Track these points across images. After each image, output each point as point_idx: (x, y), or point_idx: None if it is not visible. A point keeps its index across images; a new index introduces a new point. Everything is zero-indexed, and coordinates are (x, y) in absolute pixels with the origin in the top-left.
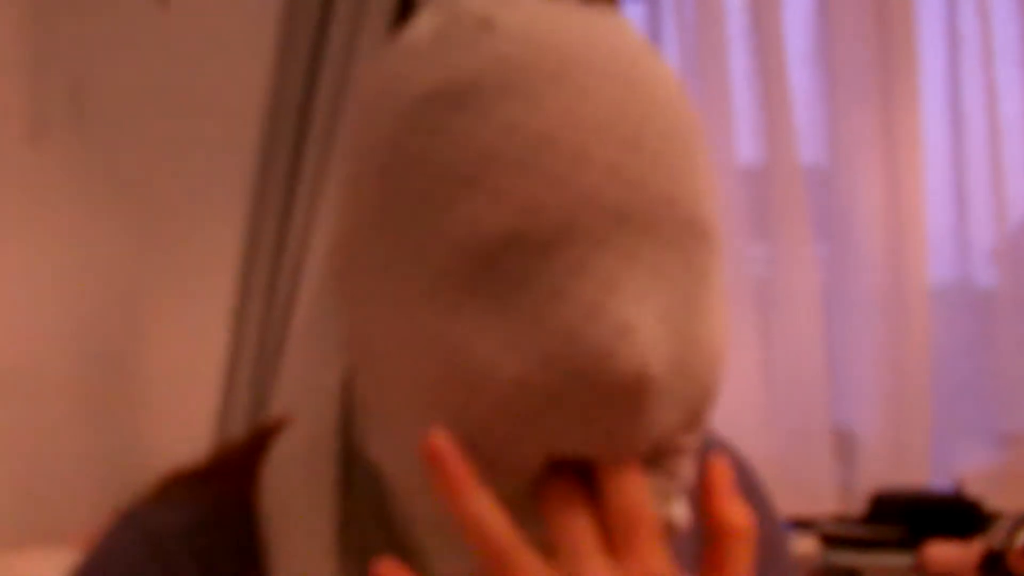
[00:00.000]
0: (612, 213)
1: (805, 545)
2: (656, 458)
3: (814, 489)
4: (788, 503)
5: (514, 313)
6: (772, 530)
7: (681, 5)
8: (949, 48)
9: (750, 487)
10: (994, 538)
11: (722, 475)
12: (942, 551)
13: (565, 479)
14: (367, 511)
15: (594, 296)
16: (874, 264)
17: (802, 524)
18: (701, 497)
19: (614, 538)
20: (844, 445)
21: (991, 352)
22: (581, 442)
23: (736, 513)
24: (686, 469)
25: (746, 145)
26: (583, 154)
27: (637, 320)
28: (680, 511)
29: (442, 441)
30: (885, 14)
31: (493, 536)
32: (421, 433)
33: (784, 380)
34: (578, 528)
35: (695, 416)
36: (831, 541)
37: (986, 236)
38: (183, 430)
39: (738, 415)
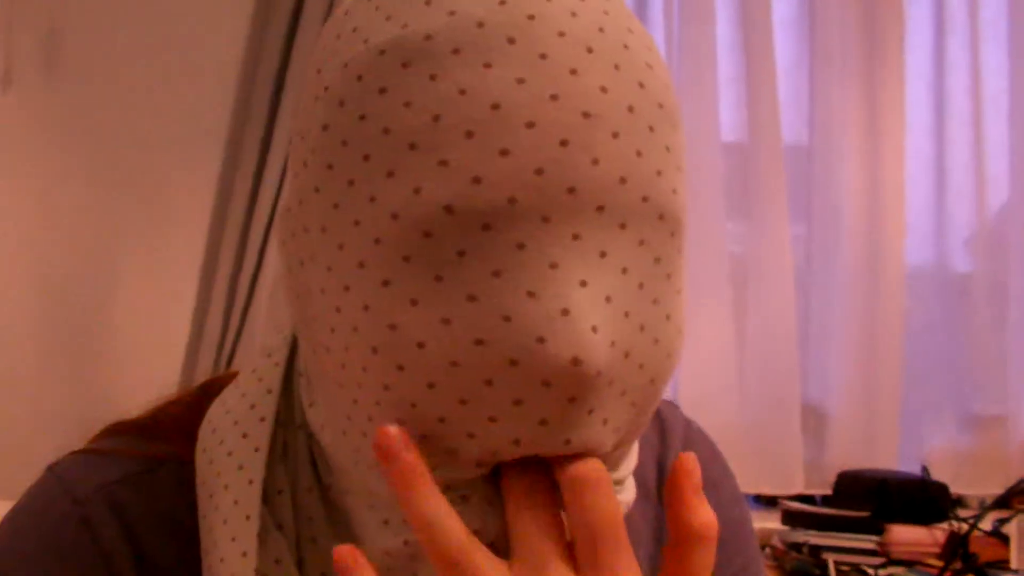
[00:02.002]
0: (559, 189)
1: (769, 523)
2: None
3: (783, 467)
4: (756, 481)
5: (449, 289)
6: (737, 515)
7: None
8: (935, 29)
9: (716, 474)
10: (958, 522)
11: (688, 475)
12: (906, 534)
13: (530, 473)
14: (305, 479)
15: (533, 277)
16: (851, 244)
17: (767, 502)
18: (666, 495)
19: (580, 548)
20: (814, 424)
21: (963, 335)
22: (516, 429)
23: (700, 515)
24: (632, 458)
25: (728, 121)
26: (533, 125)
27: (577, 304)
28: (625, 496)
29: (394, 435)
30: None
31: (445, 539)
32: (358, 413)
33: (757, 357)
34: (539, 532)
35: (645, 408)
36: (795, 520)
37: (965, 219)
38: (150, 386)
39: (710, 391)
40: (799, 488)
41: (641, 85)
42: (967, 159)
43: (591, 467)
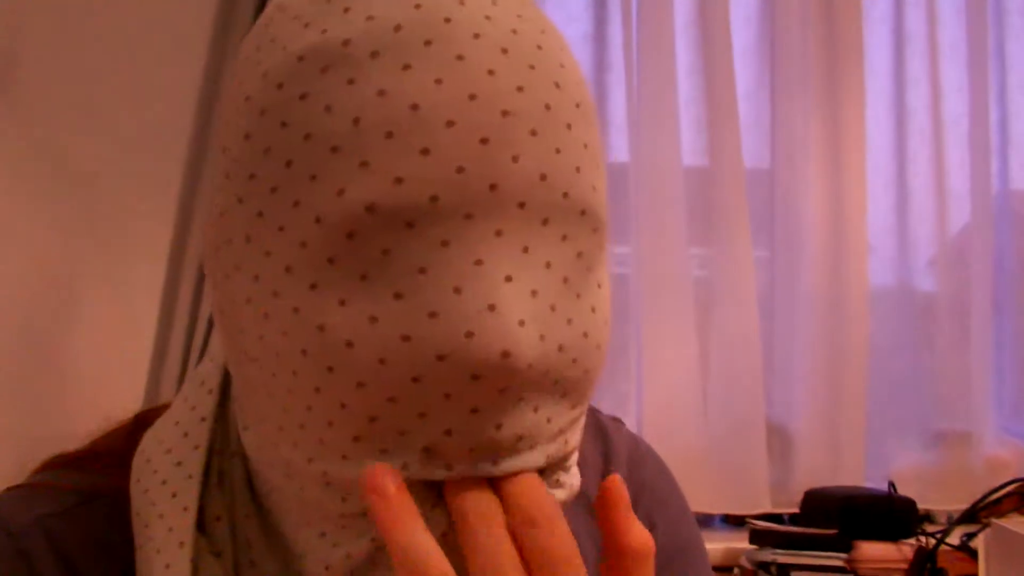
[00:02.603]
0: (481, 187)
1: (736, 543)
2: (548, 471)
3: (749, 487)
4: (723, 501)
5: (376, 289)
6: (685, 533)
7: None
8: (895, 50)
9: (665, 492)
10: (926, 538)
11: (617, 495)
12: (874, 550)
13: (473, 493)
14: (243, 505)
15: (458, 274)
16: (814, 266)
17: (733, 521)
18: (598, 517)
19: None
20: (780, 444)
21: (927, 353)
22: (447, 420)
23: (634, 533)
24: (575, 479)
25: (689, 145)
26: (452, 124)
27: (502, 299)
28: (571, 481)
29: (382, 472)
30: (832, 14)
31: (411, 546)
32: (289, 421)
33: (721, 379)
34: (498, 560)
35: (580, 400)
36: (762, 539)
37: (927, 239)
38: (112, 413)
39: (675, 413)
40: (766, 507)
41: (557, 84)
42: (928, 179)
43: (534, 492)
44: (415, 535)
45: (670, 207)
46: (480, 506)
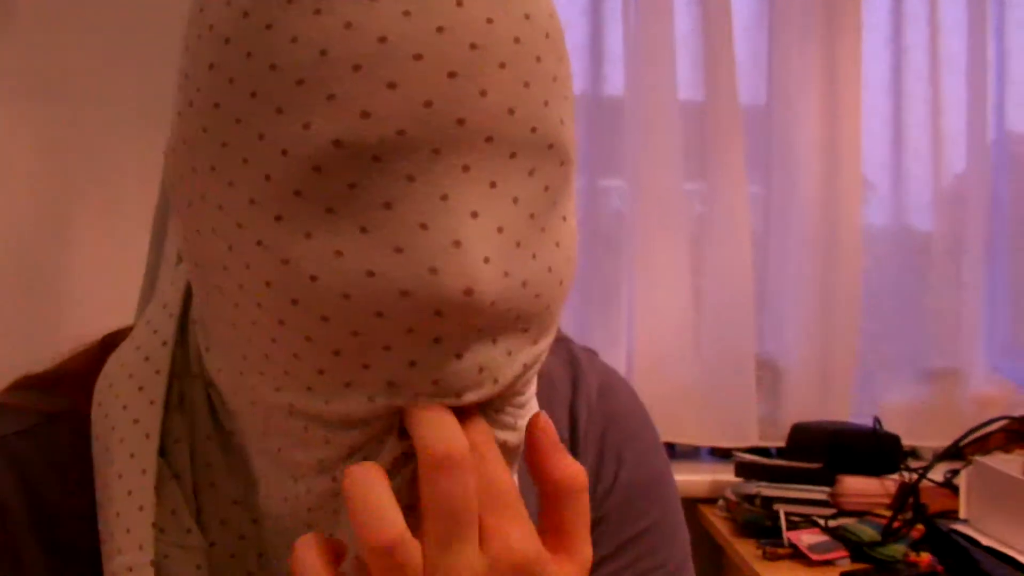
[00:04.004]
0: (447, 121)
1: (723, 475)
2: (501, 405)
3: (738, 421)
4: (712, 434)
5: (341, 223)
6: (655, 468)
7: None
8: None
9: (636, 425)
10: (909, 473)
11: (544, 433)
12: (857, 484)
13: (437, 421)
14: (203, 427)
15: (424, 209)
16: (809, 203)
17: (720, 454)
18: (527, 455)
19: (481, 518)
20: (769, 379)
21: (920, 292)
22: (410, 352)
23: (563, 468)
24: (523, 423)
25: (685, 80)
26: (420, 57)
27: (467, 235)
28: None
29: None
30: None
31: (382, 527)
32: (253, 351)
33: (713, 314)
34: (451, 499)
35: (541, 335)
36: (748, 472)
37: (923, 179)
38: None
39: (667, 346)
40: (754, 441)
41: (527, 16)
42: (925, 119)
43: (481, 435)
44: (372, 483)
45: (665, 142)
46: (452, 449)
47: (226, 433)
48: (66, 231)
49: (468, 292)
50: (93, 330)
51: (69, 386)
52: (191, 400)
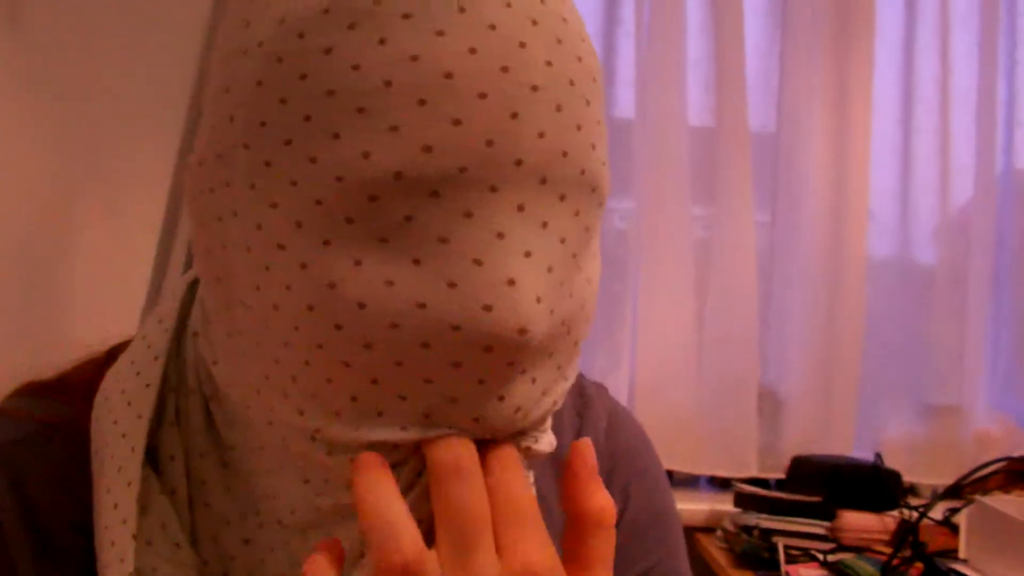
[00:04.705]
0: (507, 161)
1: (721, 505)
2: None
3: (738, 450)
4: (711, 463)
5: (393, 253)
6: (661, 504)
7: None
8: (906, 17)
9: (645, 461)
10: (909, 511)
11: (583, 461)
12: (856, 520)
13: (454, 448)
14: (199, 444)
15: (480, 246)
16: (815, 231)
17: (719, 483)
18: (563, 479)
19: (496, 530)
20: (770, 409)
21: (923, 325)
22: (453, 389)
23: (598, 499)
24: (549, 441)
25: (696, 105)
26: (485, 96)
27: (522, 274)
28: (542, 447)
29: (371, 457)
30: None
31: (400, 545)
32: (279, 372)
33: (716, 340)
34: (464, 512)
35: (568, 367)
36: (747, 503)
37: (929, 210)
38: (106, 339)
39: (669, 372)
40: (753, 471)
41: (579, 59)
42: (933, 151)
43: (505, 452)
44: (389, 501)
45: (673, 165)
46: (461, 460)
47: (225, 448)
48: (68, 231)
49: (522, 331)
50: (94, 331)
51: (72, 395)
52: (187, 415)
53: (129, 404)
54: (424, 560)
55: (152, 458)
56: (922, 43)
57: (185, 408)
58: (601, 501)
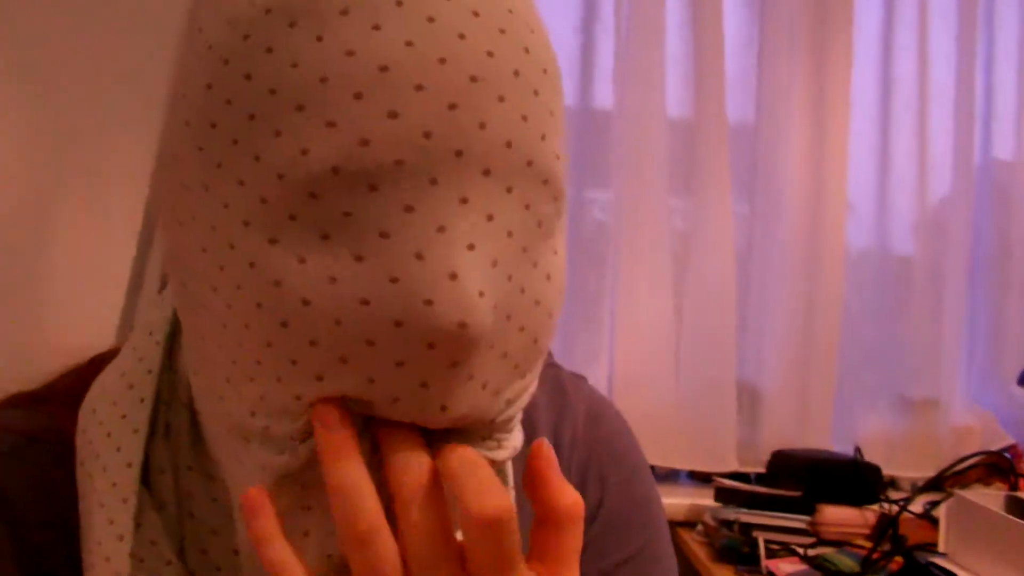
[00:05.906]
0: (446, 152)
1: (702, 500)
2: (487, 433)
3: (717, 445)
4: (691, 458)
5: (335, 249)
6: (641, 492)
7: None
8: (884, 13)
9: (623, 449)
10: (889, 504)
11: (546, 461)
12: (837, 514)
13: (407, 445)
14: (186, 458)
15: (421, 239)
16: (793, 225)
17: (699, 477)
18: (527, 479)
19: (469, 548)
20: (749, 403)
21: (901, 319)
22: (396, 389)
23: (565, 495)
24: (516, 439)
25: (674, 98)
26: (421, 88)
27: (464, 268)
28: (512, 443)
29: (335, 412)
30: None
31: (360, 514)
32: (237, 373)
33: (694, 334)
34: (430, 529)
35: (529, 368)
36: (727, 497)
37: (906, 205)
38: (87, 334)
39: (647, 366)
40: (733, 466)
41: (526, 50)
42: (911, 145)
43: (468, 457)
44: (352, 471)
45: (652, 158)
46: (411, 461)
47: (210, 461)
48: (47, 228)
49: (462, 325)
50: (74, 329)
51: (58, 406)
52: (176, 428)
53: (124, 418)
54: (380, 532)
55: (141, 473)
56: (900, 37)
57: (175, 422)
58: (569, 497)
